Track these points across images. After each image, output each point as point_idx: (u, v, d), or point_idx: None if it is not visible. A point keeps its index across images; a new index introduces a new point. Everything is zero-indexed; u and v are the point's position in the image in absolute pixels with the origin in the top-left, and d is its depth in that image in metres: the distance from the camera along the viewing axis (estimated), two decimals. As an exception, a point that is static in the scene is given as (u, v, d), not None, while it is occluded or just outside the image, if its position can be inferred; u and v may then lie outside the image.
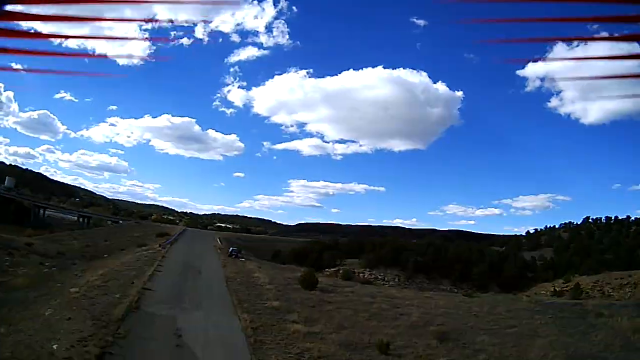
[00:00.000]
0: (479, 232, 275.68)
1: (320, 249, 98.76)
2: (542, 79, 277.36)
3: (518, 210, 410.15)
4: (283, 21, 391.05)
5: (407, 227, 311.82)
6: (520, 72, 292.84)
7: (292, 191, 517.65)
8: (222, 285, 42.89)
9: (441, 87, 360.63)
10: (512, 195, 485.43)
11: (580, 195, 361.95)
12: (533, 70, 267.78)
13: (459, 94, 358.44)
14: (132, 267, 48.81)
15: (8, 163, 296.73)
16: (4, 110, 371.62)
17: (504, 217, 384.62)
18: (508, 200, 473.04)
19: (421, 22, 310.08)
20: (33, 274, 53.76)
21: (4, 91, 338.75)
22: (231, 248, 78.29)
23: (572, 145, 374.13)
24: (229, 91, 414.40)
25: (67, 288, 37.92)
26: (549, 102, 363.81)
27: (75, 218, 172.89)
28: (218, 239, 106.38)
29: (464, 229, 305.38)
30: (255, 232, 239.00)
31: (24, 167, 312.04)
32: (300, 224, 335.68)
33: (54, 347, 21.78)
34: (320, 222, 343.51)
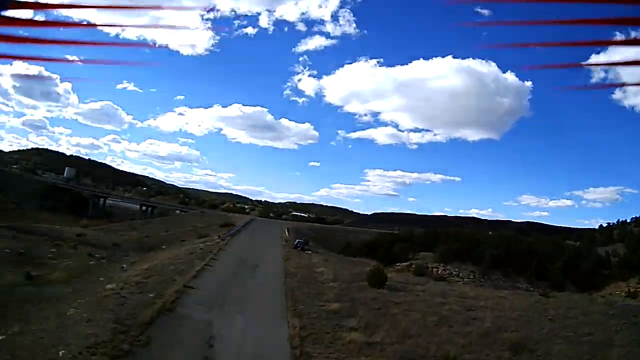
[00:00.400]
0: (552, 224, 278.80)
1: (392, 241, 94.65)
2: (606, 71, 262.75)
3: (589, 202, 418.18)
4: (348, 10, 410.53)
5: (482, 217, 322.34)
6: (585, 63, 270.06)
7: (369, 180, 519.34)
8: (279, 283, 40.79)
9: (510, 77, 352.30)
10: (582, 187, 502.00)
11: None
12: (596, 61, 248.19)
13: (528, 84, 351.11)
14: (182, 261, 46.93)
15: (69, 154, 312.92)
16: (62, 102, 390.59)
17: (575, 209, 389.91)
18: (579, 192, 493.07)
19: (485, 11, 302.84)
20: (76, 267, 55.51)
21: (60, 83, 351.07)
22: (297, 240, 76.33)
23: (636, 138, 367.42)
24: (299, 80, 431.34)
25: (104, 284, 37.34)
26: (614, 93, 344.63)
27: (138, 207, 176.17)
28: (286, 230, 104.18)
29: (537, 221, 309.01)
30: (330, 221, 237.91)
31: (86, 158, 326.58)
32: (376, 213, 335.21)
33: (60, 353, 19.68)
34: (396, 211, 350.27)
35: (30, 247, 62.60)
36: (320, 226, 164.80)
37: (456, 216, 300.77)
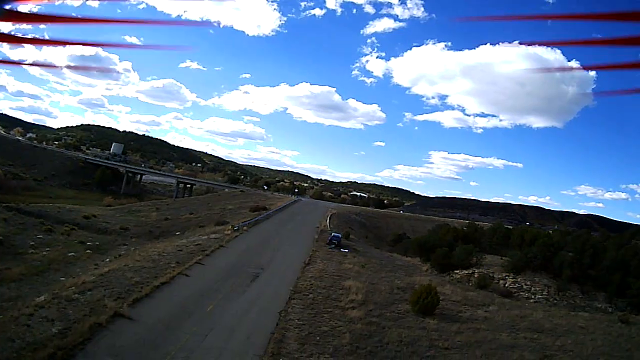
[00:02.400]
0: (608, 217, 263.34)
1: (452, 239, 78.37)
2: None
3: None
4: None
5: (546, 207, 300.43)
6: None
7: (432, 162, 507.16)
8: (276, 307, 28.78)
9: (575, 65, 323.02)
10: (638, 181, 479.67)
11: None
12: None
13: (592, 73, 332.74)
14: (162, 261, 36.28)
15: (122, 130, 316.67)
16: (122, 80, 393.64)
17: (629, 202, 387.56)
18: (634, 185, 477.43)
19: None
20: (52, 259, 48.64)
21: (120, 62, 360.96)
22: (333, 234, 60.40)
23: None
24: (367, 61, 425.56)
25: (63, 285, 30.24)
26: None
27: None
28: (328, 217, 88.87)
29: (595, 213, 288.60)
30: (389, 204, 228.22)
31: (140, 134, 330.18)
32: (438, 197, 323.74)
33: None
34: (458, 196, 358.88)
35: (16, 232, 58.26)
36: (373, 211, 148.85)
37: (520, 204, 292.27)
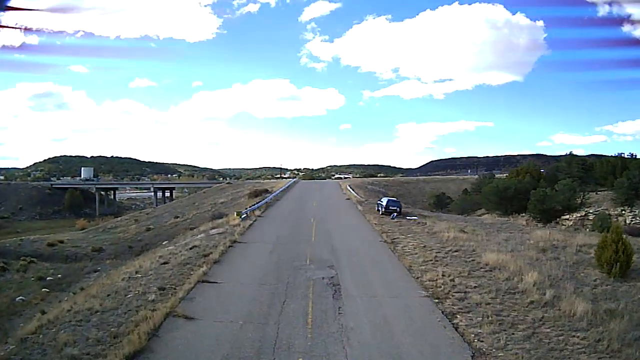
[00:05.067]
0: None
1: (531, 183, 61.85)
2: (610, 4, 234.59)
3: (620, 136, 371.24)
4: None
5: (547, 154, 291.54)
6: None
7: (402, 135, 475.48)
8: (437, 340, 13.60)
9: (521, 18, 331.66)
10: (612, 122, 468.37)
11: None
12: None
13: (540, 23, 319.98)
14: (134, 290, 18.81)
15: (90, 155, 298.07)
16: (78, 109, 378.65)
17: (608, 144, 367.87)
18: (609, 126, 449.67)
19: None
20: None
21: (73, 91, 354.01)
22: (387, 200, 44.62)
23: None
24: (312, 47, 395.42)
25: None
26: (622, 26, 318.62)
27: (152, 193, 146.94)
28: (348, 187, 73.90)
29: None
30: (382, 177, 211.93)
31: (109, 156, 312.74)
32: (432, 160, 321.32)
33: None
34: (449, 157, 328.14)
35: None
36: (386, 179, 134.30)
37: (521, 154, 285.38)
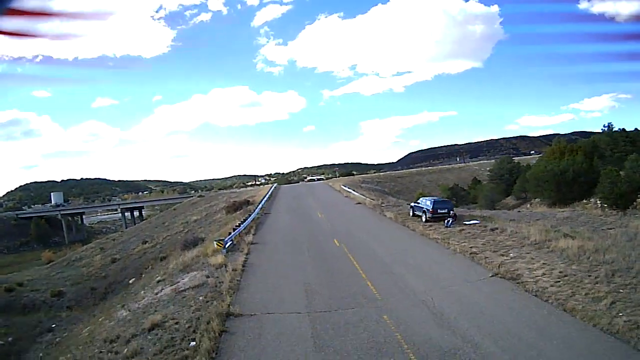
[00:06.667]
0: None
1: (584, 162, 53.64)
2: None
3: (587, 113, 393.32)
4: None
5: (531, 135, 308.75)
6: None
7: (366, 132, 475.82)
8: None
9: (475, 4, 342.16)
10: (577, 100, 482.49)
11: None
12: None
13: (495, 8, 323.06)
14: None
15: (60, 180, 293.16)
16: (45, 135, 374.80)
17: (577, 122, 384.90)
18: (575, 104, 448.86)
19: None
20: None
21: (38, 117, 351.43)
22: (428, 200, 32.71)
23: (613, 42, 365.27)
24: (267, 51, 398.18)
25: None
26: (579, 3, 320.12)
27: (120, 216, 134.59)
28: (344, 188, 63.47)
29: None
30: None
31: (78, 178, 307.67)
32: (413, 152, 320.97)
33: None
34: (433, 147, 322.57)
35: None
36: (376, 176, 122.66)
37: (503, 137, 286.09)
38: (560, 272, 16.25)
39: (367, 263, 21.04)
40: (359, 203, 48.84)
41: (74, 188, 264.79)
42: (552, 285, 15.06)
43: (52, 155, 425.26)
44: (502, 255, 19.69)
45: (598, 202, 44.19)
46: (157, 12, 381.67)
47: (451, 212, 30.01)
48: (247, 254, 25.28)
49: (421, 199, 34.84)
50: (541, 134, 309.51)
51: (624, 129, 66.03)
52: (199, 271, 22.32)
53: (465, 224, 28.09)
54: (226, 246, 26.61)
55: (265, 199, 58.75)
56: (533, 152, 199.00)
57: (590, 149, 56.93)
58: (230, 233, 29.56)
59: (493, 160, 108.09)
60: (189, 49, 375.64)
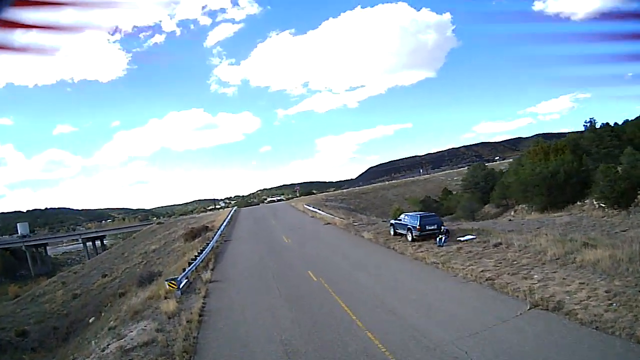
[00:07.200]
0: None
1: (574, 161, 52.57)
2: None
3: (546, 115, 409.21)
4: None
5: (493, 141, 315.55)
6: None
7: (323, 149, 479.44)
8: None
9: (427, 13, 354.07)
10: (533, 103, 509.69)
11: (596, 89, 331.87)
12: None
13: (447, 16, 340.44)
14: None
15: (25, 210, 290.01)
16: (8, 164, 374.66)
17: (536, 125, 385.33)
18: (532, 108, 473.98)
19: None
20: None
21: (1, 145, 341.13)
22: (413, 217, 29.56)
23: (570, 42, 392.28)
24: (220, 72, 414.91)
25: None
26: (533, 5, 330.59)
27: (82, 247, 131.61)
28: (308, 207, 63.29)
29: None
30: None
31: (43, 208, 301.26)
32: (371, 167, 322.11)
33: None
34: (393, 160, 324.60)
35: None
36: (338, 193, 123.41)
37: (464, 145, 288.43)
38: (606, 291, 14.02)
39: (359, 304, 17.06)
40: (328, 223, 47.01)
41: (39, 218, 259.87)
42: (606, 311, 12.56)
43: (18, 186, 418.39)
44: (525, 278, 17.10)
45: (595, 202, 44.08)
46: (112, 35, 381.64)
47: (442, 227, 27.48)
48: (204, 297, 21.70)
49: (403, 215, 32.21)
50: (501, 140, 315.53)
51: (607, 124, 65.93)
52: (150, 320, 19.04)
53: (461, 241, 25.94)
54: (180, 286, 23.40)
55: (225, 223, 57.17)
56: (498, 157, 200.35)
57: (573, 147, 56.92)
58: (184, 269, 26.54)
59: (459, 169, 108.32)
60: (144, 72, 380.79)
